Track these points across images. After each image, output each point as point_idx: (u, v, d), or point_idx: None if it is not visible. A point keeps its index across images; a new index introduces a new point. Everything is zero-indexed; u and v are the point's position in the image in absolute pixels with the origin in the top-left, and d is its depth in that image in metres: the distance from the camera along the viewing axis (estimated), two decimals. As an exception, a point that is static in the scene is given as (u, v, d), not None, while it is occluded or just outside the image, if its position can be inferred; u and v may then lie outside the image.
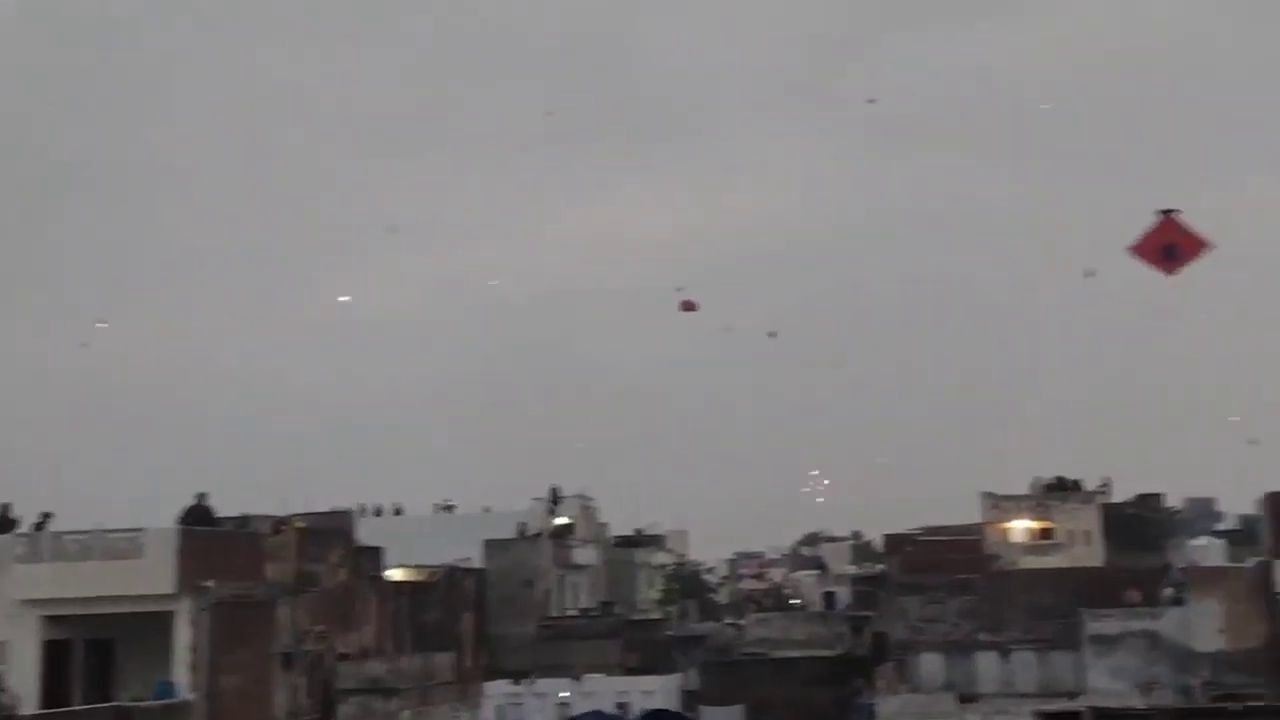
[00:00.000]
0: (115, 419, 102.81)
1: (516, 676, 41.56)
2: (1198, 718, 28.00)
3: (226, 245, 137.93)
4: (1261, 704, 29.30)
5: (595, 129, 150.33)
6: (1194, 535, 62.71)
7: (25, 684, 26.82)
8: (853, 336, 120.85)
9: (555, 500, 62.07)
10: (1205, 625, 39.71)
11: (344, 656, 35.86)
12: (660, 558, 74.83)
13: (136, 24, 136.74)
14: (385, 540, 45.73)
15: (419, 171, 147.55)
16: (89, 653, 28.26)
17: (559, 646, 46.86)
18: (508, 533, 55.03)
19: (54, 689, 27.30)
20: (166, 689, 26.95)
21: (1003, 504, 62.76)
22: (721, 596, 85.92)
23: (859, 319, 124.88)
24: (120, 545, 27.59)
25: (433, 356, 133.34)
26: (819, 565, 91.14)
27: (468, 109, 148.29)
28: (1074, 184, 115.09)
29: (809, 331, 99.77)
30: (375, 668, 38.11)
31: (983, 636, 43.50)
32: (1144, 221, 16.67)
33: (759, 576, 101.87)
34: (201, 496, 29.93)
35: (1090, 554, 59.84)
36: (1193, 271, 19.49)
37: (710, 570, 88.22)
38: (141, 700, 26.57)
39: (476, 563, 51.34)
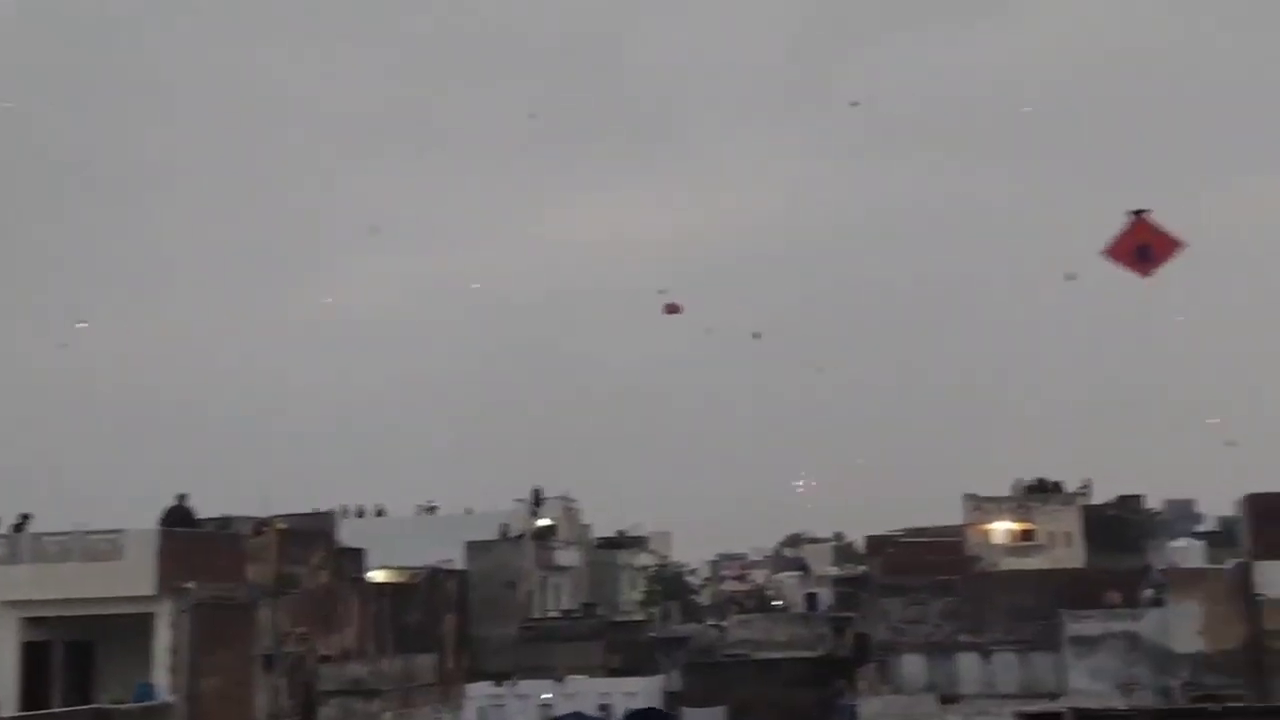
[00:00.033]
0: (103, 419, 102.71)
1: (498, 678, 41.52)
2: (1177, 718, 28.10)
3: (217, 246, 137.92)
4: (1240, 705, 29.43)
5: (595, 129, 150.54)
6: (1174, 537, 62.92)
7: (4, 686, 26.73)
8: (842, 338, 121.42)
9: (537, 502, 62.02)
10: (1185, 626, 39.82)
11: (325, 658, 35.77)
12: (643, 559, 74.83)
13: (136, 24, 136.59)
14: (367, 542, 45.57)
15: (412, 172, 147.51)
16: (69, 654, 28.15)
17: (541, 648, 46.82)
18: (490, 534, 54.94)
19: (33, 691, 27.19)
20: (147, 691, 26.85)
21: (984, 506, 63.03)
22: (704, 598, 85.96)
23: (847, 320, 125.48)
24: (100, 547, 27.50)
25: (420, 357, 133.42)
26: (801, 567, 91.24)
27: (464, 109, 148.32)
28: (1074, 184, 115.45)
29: (799, 333, 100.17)
30: (357, 669, 38.01)
31: (964, 638, 43.58)
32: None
33: (741, 578, 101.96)
34: (182, 498, 29.84)
35: (1071, 555, 60.12)
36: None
37: (693, 572, 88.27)
38: (121, 702, 26.48)
39: (458, 564, 51.24)
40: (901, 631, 44.18)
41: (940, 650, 43.52)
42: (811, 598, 69.40)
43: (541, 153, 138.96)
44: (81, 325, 51.20)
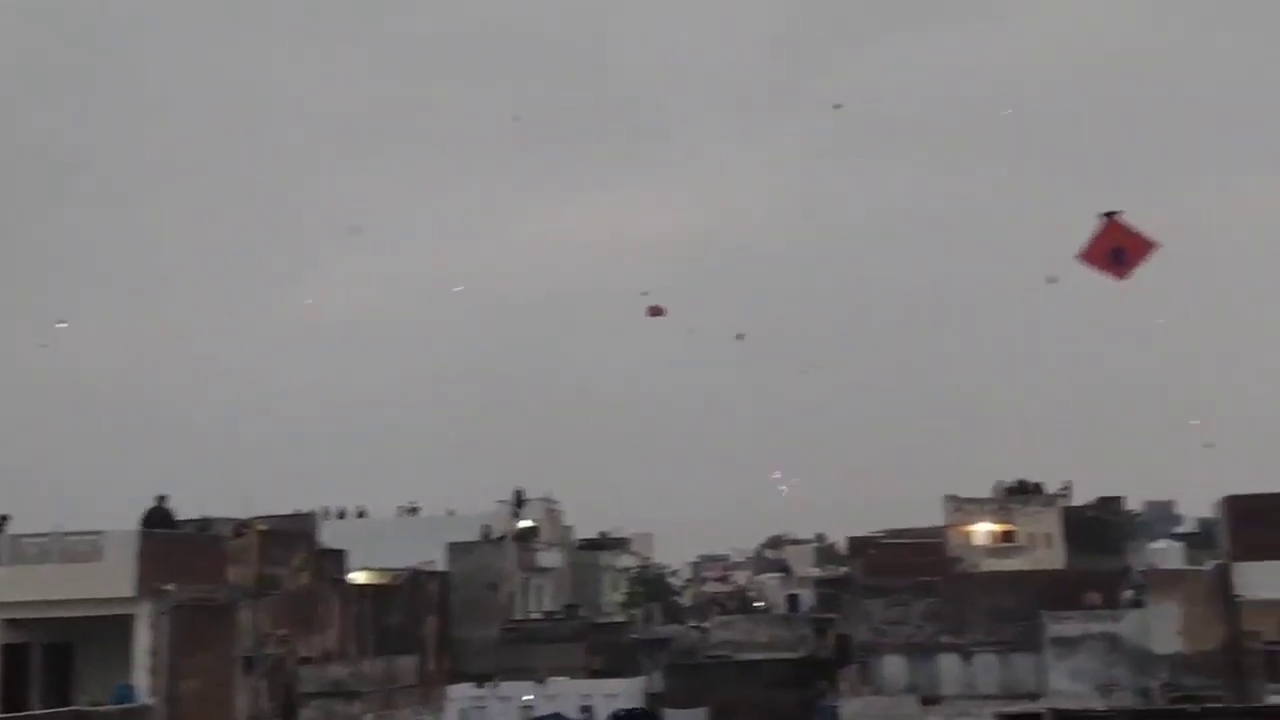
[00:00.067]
0: (89, 420, 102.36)
1: (480, 680, 41.44)
2: (1156, 719, 28.22)
3: (208, 246, 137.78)
4: (1219, 706, 29.55)
5: (592, 129, 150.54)
6: (1153, 538, 63.38)
7: (-18, 688, 26.55)
8: (833, 339, 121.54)
9: (519, 503, 62.00)
10: (1164, 628, 40.00)
11: (306, 660, 35.67)
12: (624, 561, 74.82)
13: (135, 24, 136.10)
14: (348, 543, 45.49)
15: (405, 172, 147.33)
16: (47, 656, 27.99)
17: (523, 649, 46.78)
18: (471, 535, 54.88)
19: (11, 693, 27.02)
20: (126, 693, 26.72)
21: (965, 507, 63.23)
22: (685, 599, 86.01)
23: (837, 321, 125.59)
24: (79, 548, 27.37)
25: (410, 358, 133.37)
26: (783, 568, 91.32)
27: (457, 109, 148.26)
28: (1074, 185, 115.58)
29: (792, 333, 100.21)
30: (337, 671, 37.93)
31: (945, 639, 43.71)
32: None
33: (723, 579, 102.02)
34: (162, 499, 29.70)
35: (1051, 557, 60.36)
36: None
37: (674, 573, 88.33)
38: (100, 704, 26.35)
39: (440, 566, 51.16)
40: (883, 633, 44.27)
41: (921, 651, 43.63)
42: (793, 599, 69.55)
43: (537, 153, 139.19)
44: (61, 325, 50.92)
